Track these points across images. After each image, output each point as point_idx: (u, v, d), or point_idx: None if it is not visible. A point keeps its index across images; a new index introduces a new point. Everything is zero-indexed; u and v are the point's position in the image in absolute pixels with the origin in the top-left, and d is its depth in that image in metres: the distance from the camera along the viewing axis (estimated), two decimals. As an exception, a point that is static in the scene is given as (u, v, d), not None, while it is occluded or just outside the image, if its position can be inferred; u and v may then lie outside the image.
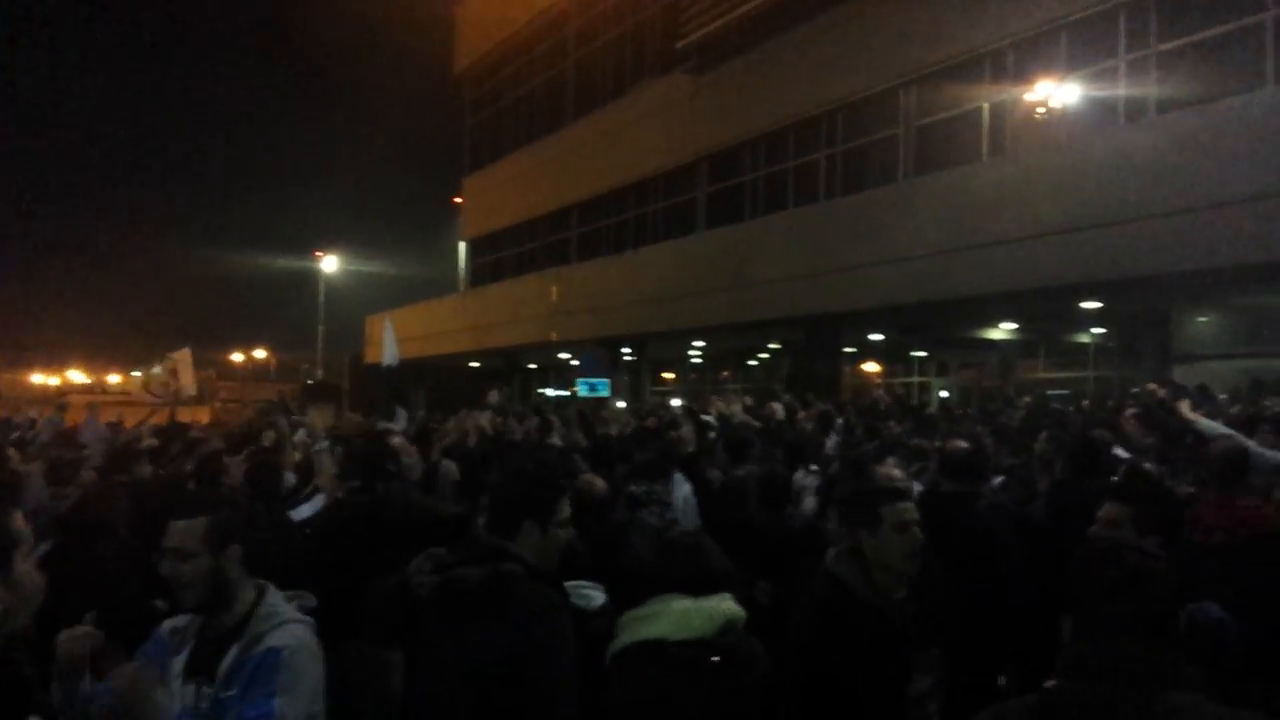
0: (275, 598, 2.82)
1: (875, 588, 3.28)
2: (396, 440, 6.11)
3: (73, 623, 2.66)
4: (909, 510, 3.36)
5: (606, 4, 26.24)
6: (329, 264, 47.43)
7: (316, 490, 5.36)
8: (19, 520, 1.69)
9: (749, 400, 13.90)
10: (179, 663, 2.72)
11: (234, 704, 2.58)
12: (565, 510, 3.23)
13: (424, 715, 3.03)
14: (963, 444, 6.14)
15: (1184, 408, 7.01)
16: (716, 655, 2.82)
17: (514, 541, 3.09)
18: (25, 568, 1.67)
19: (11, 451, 7.35)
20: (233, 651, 2.65)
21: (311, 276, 47.92)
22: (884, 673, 3.16)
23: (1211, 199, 11.68)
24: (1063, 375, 20.99)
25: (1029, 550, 4.84)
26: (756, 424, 10.36)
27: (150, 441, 9.56)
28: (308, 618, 2.84)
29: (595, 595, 3.28)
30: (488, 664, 2.86)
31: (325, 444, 5.86)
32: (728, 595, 2.97)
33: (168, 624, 2.83)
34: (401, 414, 8.90)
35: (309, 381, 43.15)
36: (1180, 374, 15.28)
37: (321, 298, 47.06)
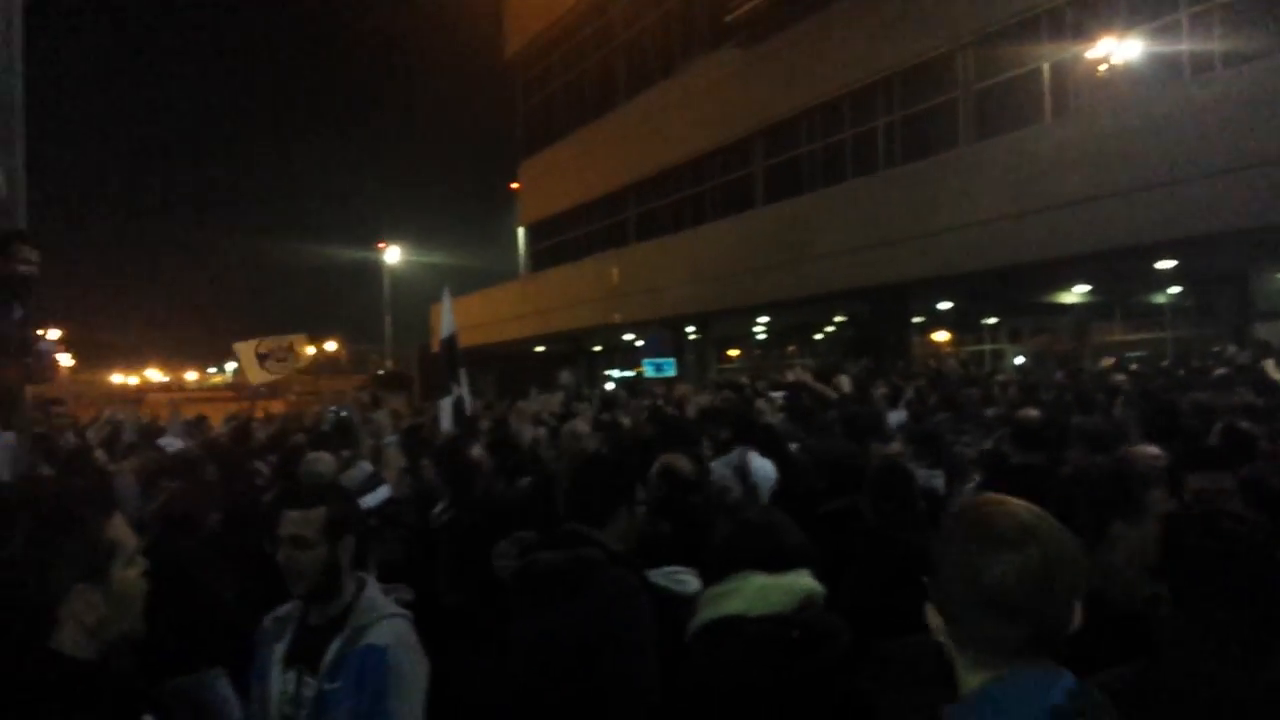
0: (374, 590, 2.85)
1: (1124, 587, 2.79)
2: (476, 452, 6.02)
3: (166, 624, 2.74)
4: (1164, 497, 3.00)
5: (654, -19, 26.12)
6: (392, 255, 48.02)
7: (381, 482, 5.43)
8: (118, 526, 1.72)
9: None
10: (279, 650, 2.78)
11: (341, 698, 2.62)
12: (640, 492, 3.28)
13: (506, 695, 3.07)
14: (1034, 412, 6.02)
15: (1269, 367, 6.81)
16: (796, 630, 2.81)
17: (603, 529, 3.14)
18: (125, 574, 1.70)
19: (99, 453, 7.51)
20: (335, 644, 2.69)
21: (376, 267, 48.61)
22: None
23: (1286, 150, 11.30)
24: (1139, 337, 20.51)
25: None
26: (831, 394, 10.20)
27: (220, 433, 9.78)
28: (405, 611, 2.88)
29: (690, 581, 3.29)
30: (567, 646, 2.90)
31: (394, 438, 5.92)
32: (805, 571, 2.95)
33: (270, 615, 2.88)
34: (456, 390, 8.64)
35: (380, 372, 43.76)
36: (1262, 332, 14.85)
37: (387, 288, 47.71)
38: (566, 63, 31.32)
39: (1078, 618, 1.55)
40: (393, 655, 2.67)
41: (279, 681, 2.74)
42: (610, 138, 28.20)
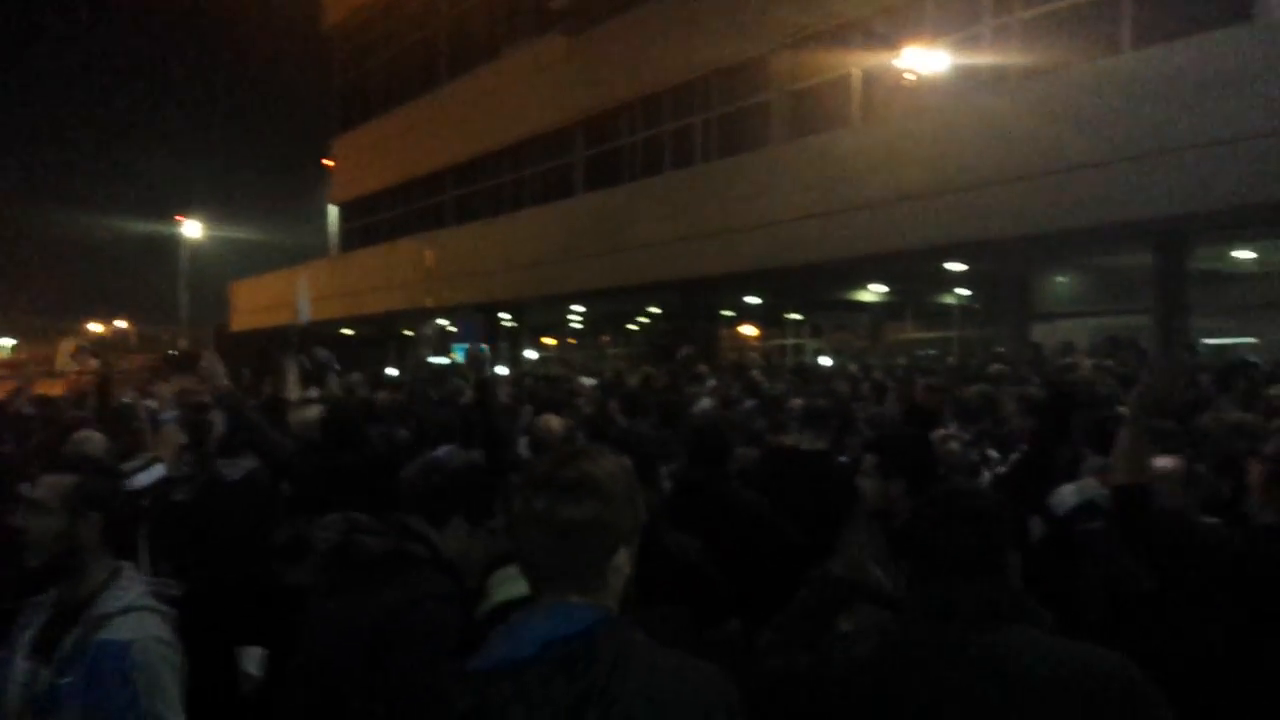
0: (129, 580, 2.66)
1: None
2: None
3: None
4: None
5: (480, -39, 25.72)
6: (191, 229, 45.72)
7: (156, 460, 5.12)
8: None
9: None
10: (27, 637, 2.58)
11: (72, 693, 2.43)
12: (501, 519, 3.07)
13: (300, 672, 2.95)
14: (823, 401, 6.25)
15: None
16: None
17: (439, 531, 2.99)
18: None
19: None
20: (74, 633, 2.51)
21: (173, 242, 46.19)
22: None
23: (1068, 162, 12.13)
24: (929, 335, 21.65)
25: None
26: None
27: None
28: (165, 607, 2.69)
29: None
30: (358, 636, 2.78)
31: (173, 415, 5.59)
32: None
33: (34, 599, 2.68)
34: (333, 377, 8.07)
35: (172, 352, 41.53)
36: (1039, 332, 15.96)
37: (184, 264, 45.44)
38: (388, 38, 30.46)
39: (625, 566, 1.72)
40: (139, 652, 2.50)
41: (20, 672, 2.53)
42: (430, 118, 27.62)
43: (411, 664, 2.70)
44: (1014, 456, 4.97)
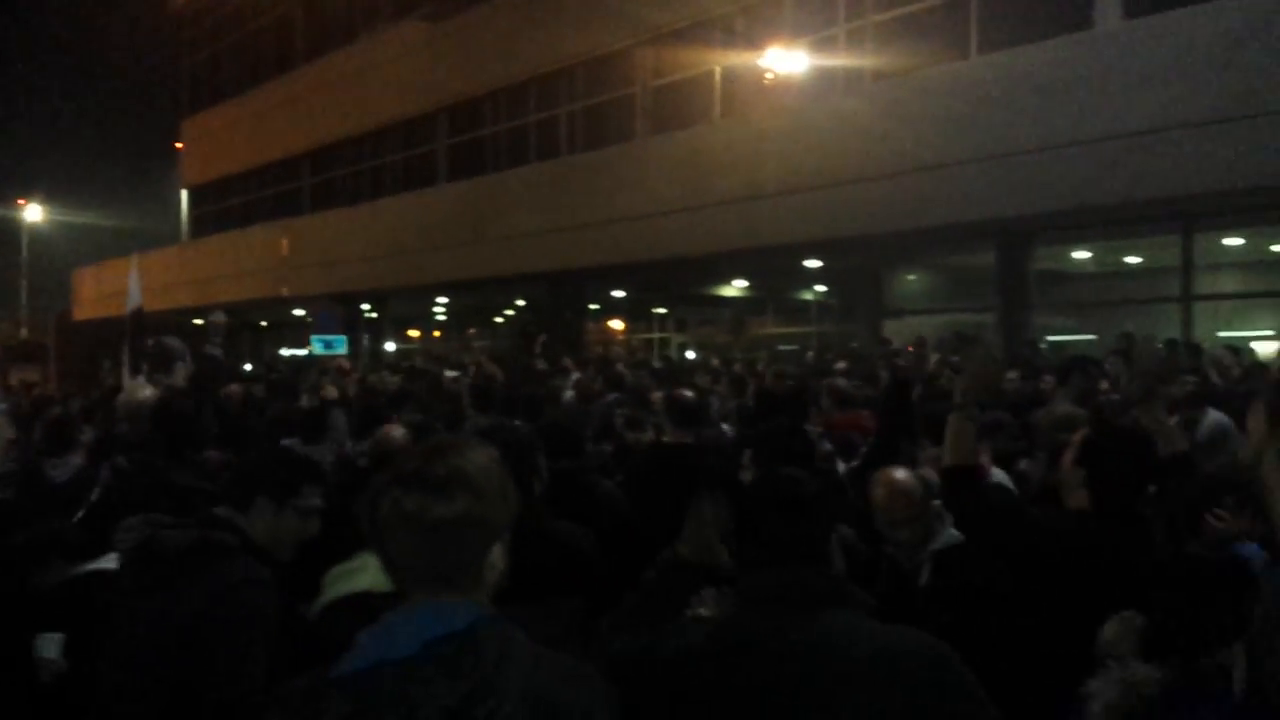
0: None
1: None
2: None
3: None
4: None
5: (339, -59, 24.99)
6: (32, 213, 43.63)
7: None
8: None
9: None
10: None
11: None
12: (312, 499, 3.02)
13: (107, 681, 2.79)
14: (688, 393, 6.33)
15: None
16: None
17: (245, 515, 2.91)
18: None
19: None
20: None
21: (13, 226, 43.95)
22: None
23: (918, 163, 12.53)
24: (789, 330, 22.09)
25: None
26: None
27: None
28: None
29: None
30: (173, 632, 2.66)
31: (4, 407, 5.29)
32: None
33: None
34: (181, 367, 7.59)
35: (10, 344, 39.28)
36: (890, 328, 16.47)
37: (24, 250, 43.34)
38: (240, 17, 29.31)
39: (499, 561, 1.67)
40: None
41: None
42: (286, 100, 26.68)
43: (230, 654, 2.62)
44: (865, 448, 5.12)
